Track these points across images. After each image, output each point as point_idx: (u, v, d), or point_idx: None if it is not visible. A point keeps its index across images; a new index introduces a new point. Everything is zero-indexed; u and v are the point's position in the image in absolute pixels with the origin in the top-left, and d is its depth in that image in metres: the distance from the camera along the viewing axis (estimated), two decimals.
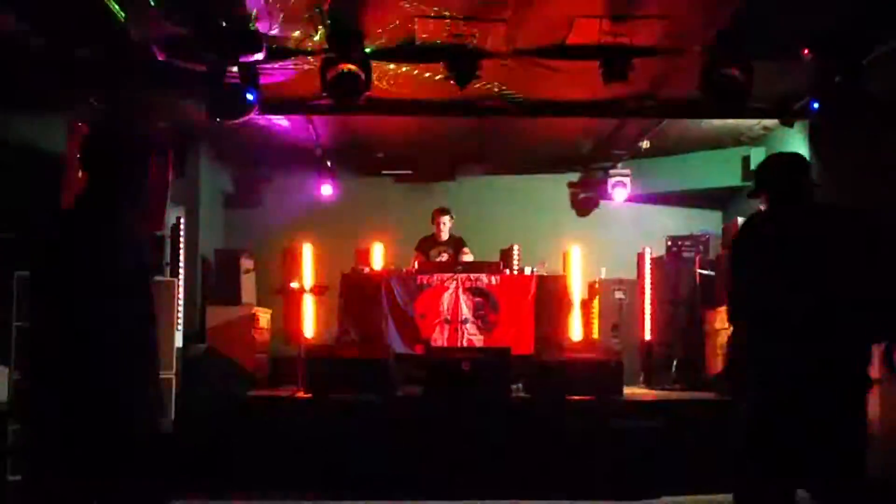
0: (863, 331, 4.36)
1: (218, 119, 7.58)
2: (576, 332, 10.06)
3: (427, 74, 8.01)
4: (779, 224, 4.49)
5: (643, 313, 10.33)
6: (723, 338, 8.93)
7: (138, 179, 4.23)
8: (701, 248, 10.73)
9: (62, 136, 7.79)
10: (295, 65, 7.77)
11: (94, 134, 4.24)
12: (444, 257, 10.37)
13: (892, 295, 4.36)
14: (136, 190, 4.21)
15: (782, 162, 4.81)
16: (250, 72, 7.38)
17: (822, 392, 4.26)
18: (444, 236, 10.52)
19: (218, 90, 7.38)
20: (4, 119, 8.05)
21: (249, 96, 7.46)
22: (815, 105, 7.65)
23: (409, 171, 12.20)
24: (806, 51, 7.19)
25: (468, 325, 9.63)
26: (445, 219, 10.49)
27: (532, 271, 9.98)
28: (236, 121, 7.65)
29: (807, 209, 4.53)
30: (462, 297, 9.67)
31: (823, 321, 4.26)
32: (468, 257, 10.31)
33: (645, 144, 10.69)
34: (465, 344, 9.50)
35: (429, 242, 10.54)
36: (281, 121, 9.73)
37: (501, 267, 10.09)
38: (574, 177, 12.53)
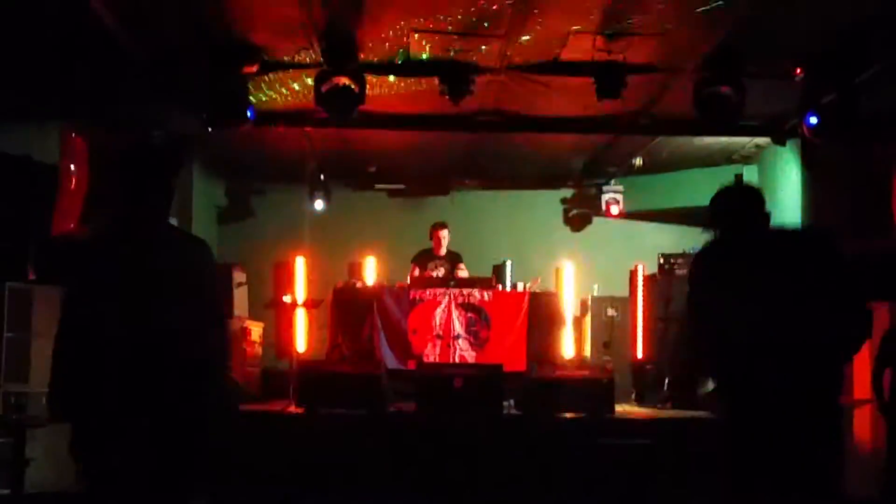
0: (828, 352, 4.29)
1: (212, 129, 7.58)
2: (568, 349, 10.05)
3: (421, 88, 8.04)
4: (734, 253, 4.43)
5: (635, 331, 10.31)
6: None
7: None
8: None
9: (56, 147, 7.76)
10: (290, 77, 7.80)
11: (140, 148, 4.23)
12: (441, 272, 10.35)
13: (849, 313, 4.28)
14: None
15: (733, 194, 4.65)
16: (245, 83, 7.39)
17: (794, 415, 4.23)
18: (443, 251, 10.50)
19: (213, 100, 7.38)
20: None
21: (241, 107, 7.46)
22: (811, 120, 7.63)
23: (403, 186, 12.21)
24: (798, 70, 7.23)
25: (460, 341, 9.61)
26: (444, 233, 10.47)
27: (525, 287, 9.98)
28: (232, 130, 7.66)
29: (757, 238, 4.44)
30: (455, 313, 9.65)
31: (786, 345, 4.21)
32: (464, 273, 10.29)
33: (638, 162, 10.71)
34: (457, 360, 9.48)
35: (427, 256, 10.52)
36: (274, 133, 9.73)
37: (494, 283, 10.08)
38: (567, 193, 12.55)
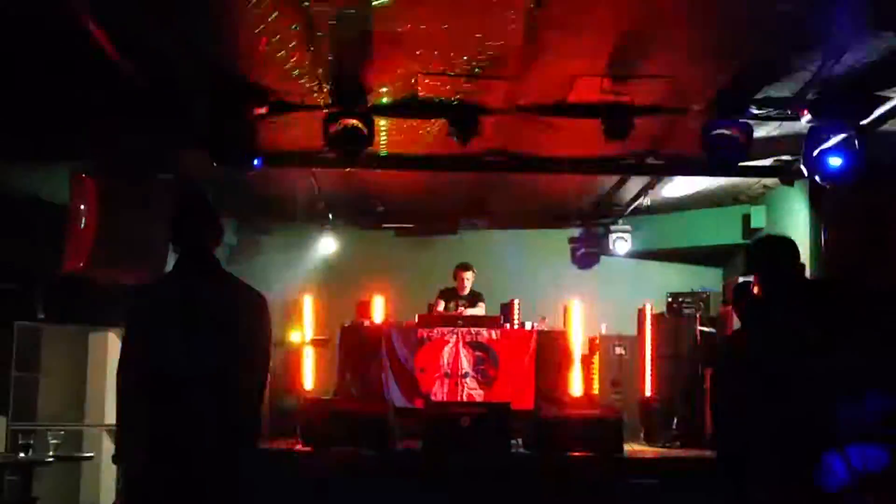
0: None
1: (218, 164, 7.60)
2: (576, 387, 10.02)
3: (429, 129, 8.08)
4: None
5: (643, 369, 10.28)
6: None
7: None
8: (701, 304, 10.73)
9: (64, 187, 7.83)
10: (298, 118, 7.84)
11: (193, 199, 4.55)
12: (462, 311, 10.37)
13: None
14: None
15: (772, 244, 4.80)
16: (254, 125, 7.43)
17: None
18: (465, 292, 10.52)
19: (222, 143, 7.42)
20: (5, 169, 8.11)
21: (254, 151, 7.51)
22: (818, 163, 7.65)
23: (411, 225, 12.24)
24: (804, 111, 7.25)
25: (468, 380, 9.60)
26: (468, 274, 10.49)
27: (532, 326, 9.97)
28: (240, 171, 7.70)
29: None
30: (462, 352, 9.65)
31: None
32: (478, 311, 10.29)
33: (646, 201, 10.74)
34: (464, 398, 9.47)
35: (450, 294, 10.54)
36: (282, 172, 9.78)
37: (502, 321, 10.08)
38: (575, 232, 12.57)
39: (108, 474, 8.26)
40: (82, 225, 7.60)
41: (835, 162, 7.50)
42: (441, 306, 10.42)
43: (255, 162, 7.53)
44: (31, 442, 7.82)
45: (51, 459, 7.41)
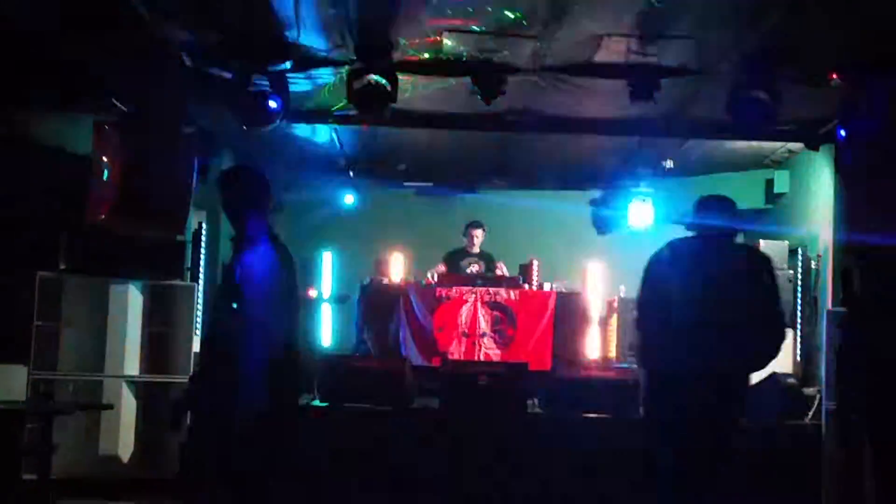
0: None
1: (245, 126, 7.61)
2: (593, 349, 10.03)
3: (453, 87, 8.03)
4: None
5: None
6: None
7: None
8: None
9: (88, 138, 7.82)
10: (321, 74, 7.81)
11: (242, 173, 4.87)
12: (475, 269, 10.37)
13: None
14: None
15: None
16: (278, 80, 7.40)
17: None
18: (476, 249, 10.52)
19: (245, 98, 7.41)
20: (29, 120, 8.12)
21: (273, 104, 7.47)
22: (842, 133, 7.61)
23: (431, 183, 12.21)
24: (834, 75, 7.16)
25: (486, 339, 9.63)
26: (478, 232, 10.51)
27: (551, 287, 9.96)
28: (262, 128, 7.67)
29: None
30: (480, 311, 9.67)
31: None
32: (503, 272, 10.31)
33: (668, 164, 10.66)
34: (482, 358, 9.50)
35: (459, 255, 10.54)
36: (305, 129, 9.76)
37: (521, 282, 10.08)
38: (596, 194, 12.50)
39: (128, 424, 8.33)
40: (105, 176, 7.60)
41: (857, 125, 7.46)
42: (443, 269, 10.40)
43: (275, 105, 7.48)
44: (53, 390, 7.94)
45: (71, 408, 7.50)
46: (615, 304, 10.52)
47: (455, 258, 10.53)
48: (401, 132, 9.66)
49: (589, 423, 8.04)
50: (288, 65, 7.24)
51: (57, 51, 6.97)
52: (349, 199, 11.62)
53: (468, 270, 10.35)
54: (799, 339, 9.31)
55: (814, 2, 6.19)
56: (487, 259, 10.52)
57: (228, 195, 5.03)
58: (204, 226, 9.31)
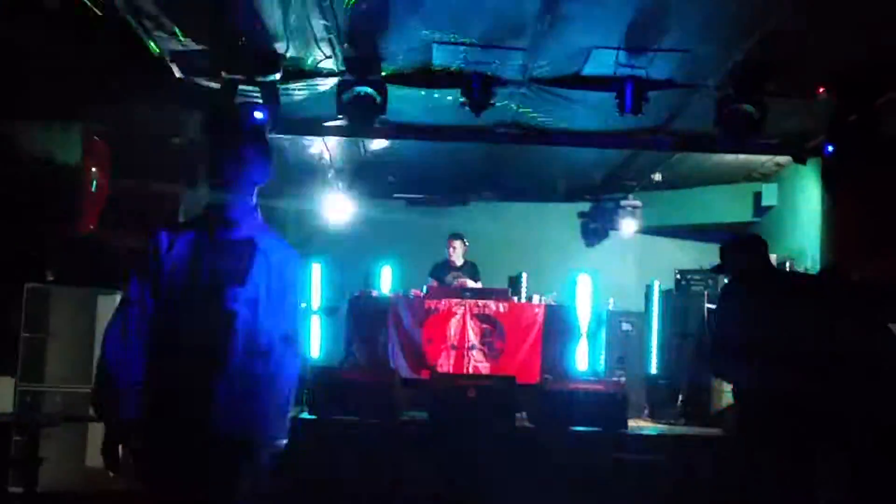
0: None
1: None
2: (582, 362, 10.02)
3: (443, 98, 8.04)
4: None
5: (650, 346, 10.28)
6: None
7: None
8: (710, 282, 10.67)
9: (78, 149, 7.81)
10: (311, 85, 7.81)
11: None
12: (461, 282, 10.36)
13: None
14: None
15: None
16: (267, 91, 7.40)
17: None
18: (458, 261, 10.52)
19: (232, 108, 7.40)
20: (18, 130, 8.10)
21: (259, 115, 7.46)
22: (830, 148, 7.67)
23: (422, 196, 12.22)
24: (821, 89, 7.20)
25: (475, 352, 9.60)
26: (457, 244, 10.49)
27: (540, 299, 9.96)
28: None
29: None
30: (469, 324, 9.65)
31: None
32: (476, 284, 10.30)
33: (657, 177, 10.69)
34: (471, 370, 9.47)
35: (443, 268, 10.53)
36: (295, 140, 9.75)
37: (510, 294, 10.08)
38: (585, 206, 12.54)
39: None
40: (94, 187, 7.59)
41: (844, 139, 7.50)
42: (435, 285, 10.40)
43: (260, 115, 7.47)
44: (40, 402, 7.90)
45: (58, 420, 7.46)
46: (604, 317, 10.51)
47: (440, 273, 10.52)
48: (391, 144, 9.68)
49: (577, 437, 8.03)
50: (277, 76, 7.24)
51: (46, 61, 6.97)
52: (339, 211, 11.65)
53: (455, 284, 10.33)
54: None
55: (803, 16, 6.23)
56: (472, 269, 10.51)
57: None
58: None
